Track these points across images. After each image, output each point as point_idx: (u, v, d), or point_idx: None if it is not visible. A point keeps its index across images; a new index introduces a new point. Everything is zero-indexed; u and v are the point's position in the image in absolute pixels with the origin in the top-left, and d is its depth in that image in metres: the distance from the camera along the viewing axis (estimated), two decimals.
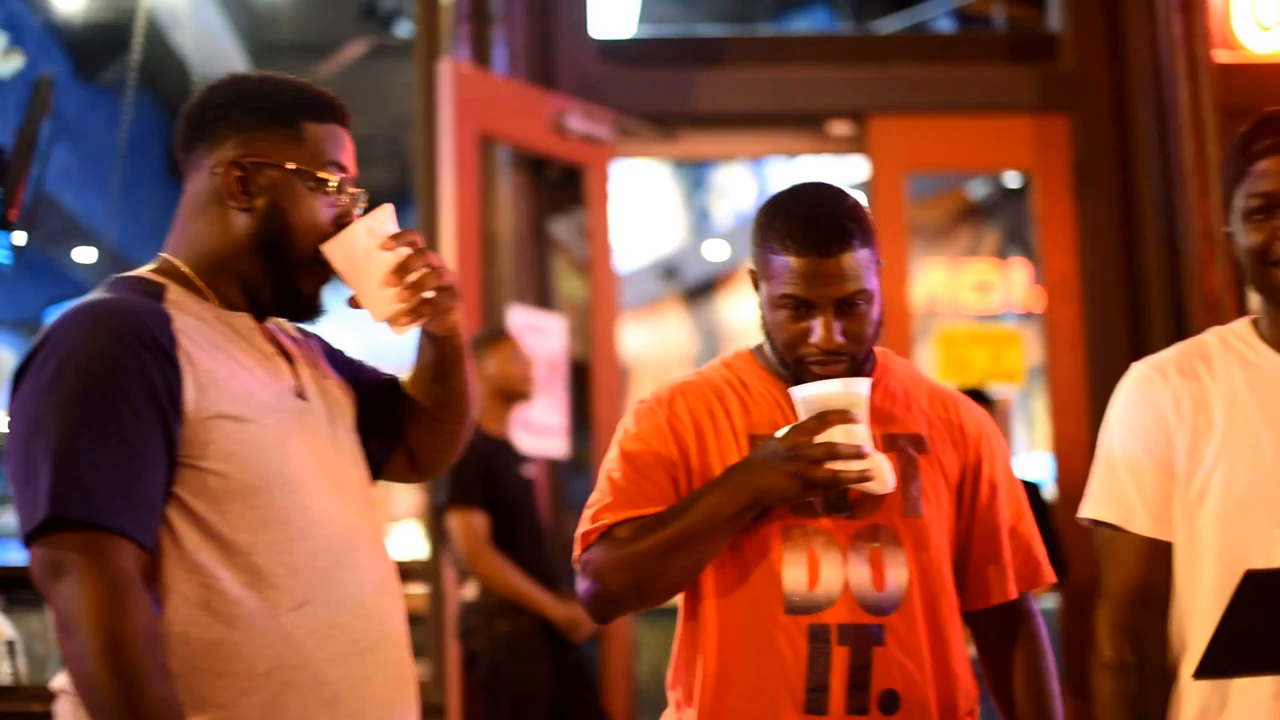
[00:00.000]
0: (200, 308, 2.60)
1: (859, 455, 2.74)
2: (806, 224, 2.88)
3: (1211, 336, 2.93)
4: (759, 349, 3.10)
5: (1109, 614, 2.88)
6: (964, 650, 3.02)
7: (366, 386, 2.91)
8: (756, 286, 3.01)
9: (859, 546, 2.91)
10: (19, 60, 8.74)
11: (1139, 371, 2.94)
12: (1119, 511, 2.89)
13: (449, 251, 7.30)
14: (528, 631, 6.61)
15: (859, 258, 2.87)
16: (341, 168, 2.68)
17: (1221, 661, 2.52)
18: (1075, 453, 8.33)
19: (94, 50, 13.45)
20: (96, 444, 2.37)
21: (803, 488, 2.76)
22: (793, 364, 2.92)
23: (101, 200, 13.75)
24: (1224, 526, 2.76)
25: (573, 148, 8.10)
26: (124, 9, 11.92)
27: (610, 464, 3.02)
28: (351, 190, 2.69)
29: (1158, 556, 2.86)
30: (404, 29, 10.12)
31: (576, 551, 2.99)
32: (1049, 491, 8.36)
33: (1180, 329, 7.40)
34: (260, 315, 2.71)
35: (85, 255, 14.94)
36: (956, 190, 13.97)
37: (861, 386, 2.80)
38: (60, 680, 2.46)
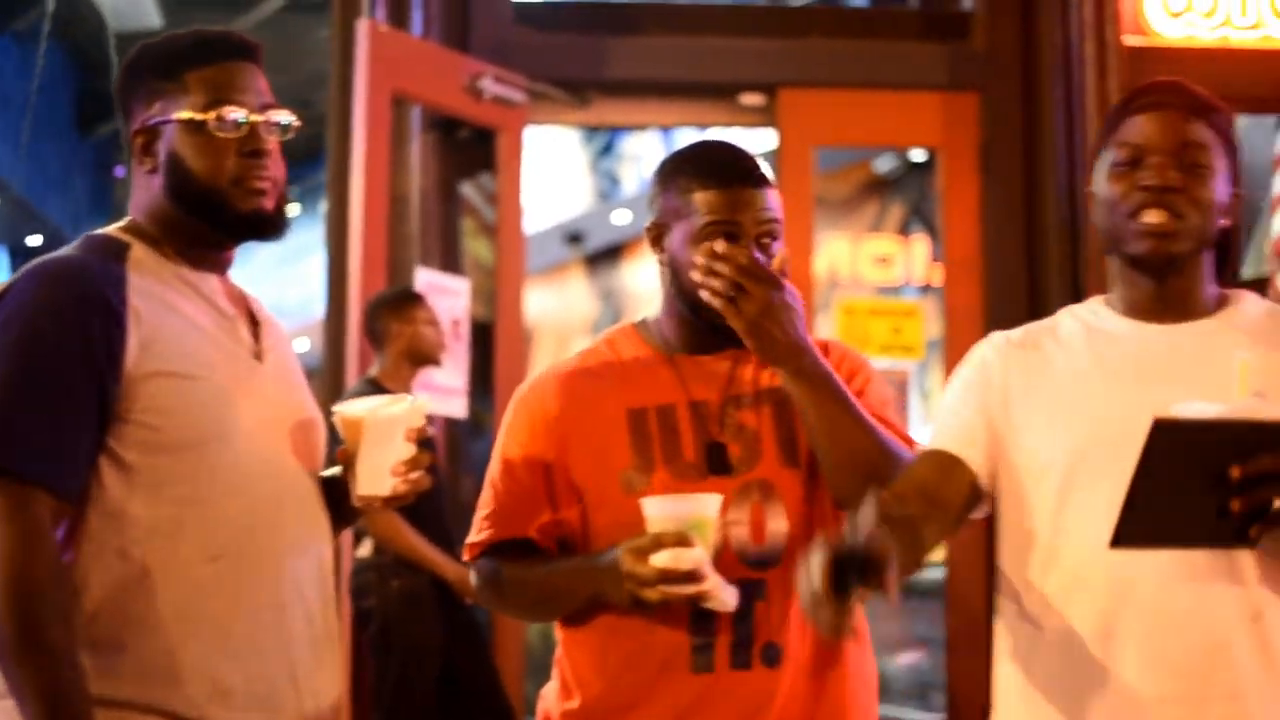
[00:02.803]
0: (161, 267, 2.72)
1: (690, 579, 2.75)
2: (725, 159, 2.99)
3: (1062, 313, 2.94)
4: (643, 323, 3.15)
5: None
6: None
7: None
8: (658, 244, 3.06)
9: (739, 502, 2.95)
10: None
11: (985, 341, 2.93)
12: (934, 439, 2.87)
13: (357, 211, 7.31)
14: (421, 590, 6.64)
15: (774, 194, 2.98)
16: (234, 102, 2.73)
17: (1136, 529, 2.40)
18: None
19: None
20: (25, 396, 2.50)
21: (634, 603, 2.81)
22: (706, 310, 2.90)
23: (9, 149, 13.66)
24: (1054, 484, 2.72)
25: (486, 111, 8.11)
26: None
27: (493, 469, 3.11)
28: (254, 119, 2.74)
29: (947, 467, 2.81)
30: None
31: (465, 555, 3.13)
32: None
33: None
34: (223, 267, 2.83)
35: None
36: (863, 164, 14.04)
37: (711, 505, 2.83)
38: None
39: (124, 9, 12.10)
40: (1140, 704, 2.63)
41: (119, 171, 16.30)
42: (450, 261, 8.57)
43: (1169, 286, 2.80)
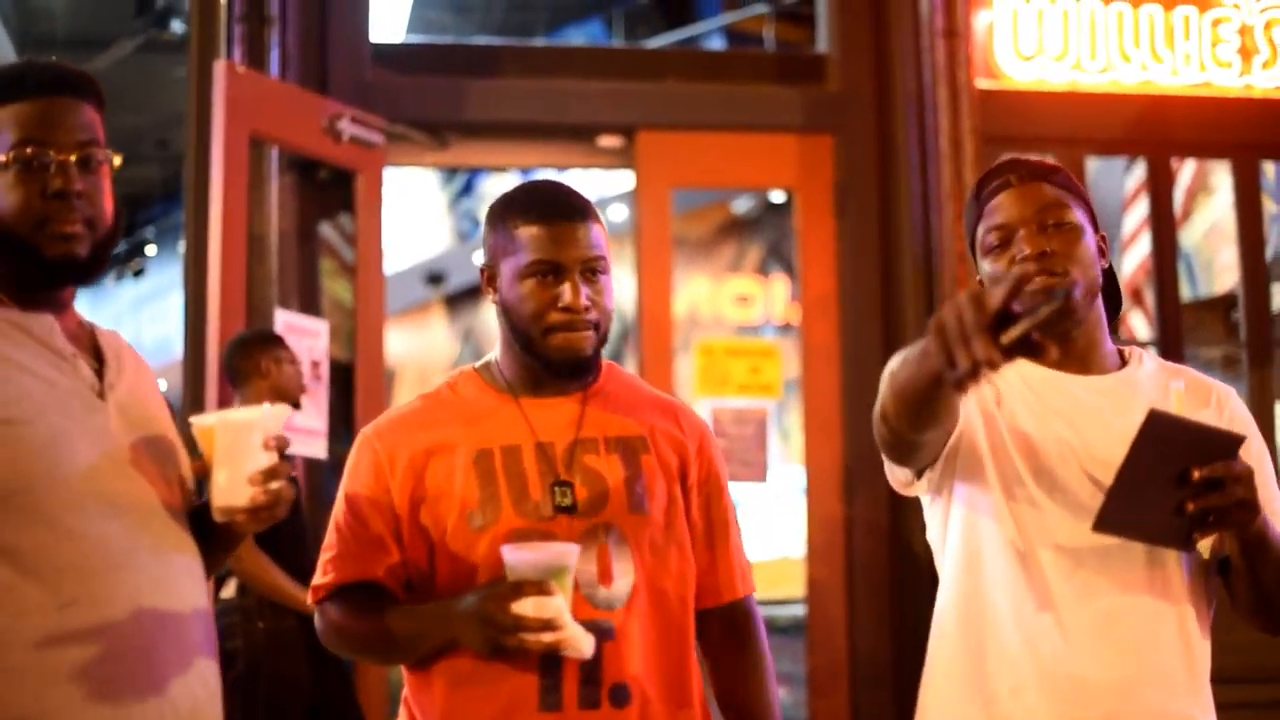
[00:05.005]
0: None
1: (549, 627, 2.79)
2: (548, 197, 3.06)
3: None
4: (485, 366, 3.20)
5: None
6: (692, 643, 3.13)
7: None
8: (492, 284, 3.11)
9: (587, 544, 2.98)
10: None
11: None
12: None
13: (216, 251, 7.27)
14: (287, 631, 6.59)
15: (598, 230, 3.04)
16: (44, 141, 2.66)
17: (1115, 515, 2.65)
18: (827, 466, 8.51)
19: None
20: None
21: (493, 649, 2.84)
22: (540, 338, 3.02)
23: None
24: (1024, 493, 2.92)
25: (345, 152, 8.10)
26: None
27: (338, 509, 3.12)
28: (61, 158, 2.66)
29: None
30: (179, 26, 10.04)
31: (309, 599, 3.12)
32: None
33: None
34: (59, 305, 2.74)
35: None
36: (722, 205, 14.14)
37: (568, 555, 2.86)
38: None
39: None
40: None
41: None
42: (309, 302, 8.53)
43: (1075, 343, 2.98)
